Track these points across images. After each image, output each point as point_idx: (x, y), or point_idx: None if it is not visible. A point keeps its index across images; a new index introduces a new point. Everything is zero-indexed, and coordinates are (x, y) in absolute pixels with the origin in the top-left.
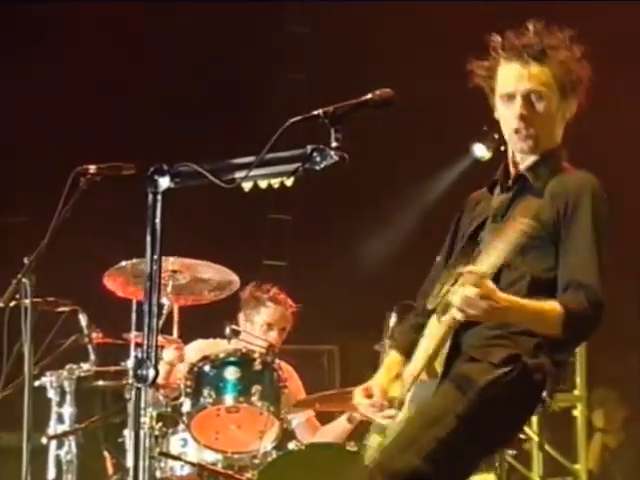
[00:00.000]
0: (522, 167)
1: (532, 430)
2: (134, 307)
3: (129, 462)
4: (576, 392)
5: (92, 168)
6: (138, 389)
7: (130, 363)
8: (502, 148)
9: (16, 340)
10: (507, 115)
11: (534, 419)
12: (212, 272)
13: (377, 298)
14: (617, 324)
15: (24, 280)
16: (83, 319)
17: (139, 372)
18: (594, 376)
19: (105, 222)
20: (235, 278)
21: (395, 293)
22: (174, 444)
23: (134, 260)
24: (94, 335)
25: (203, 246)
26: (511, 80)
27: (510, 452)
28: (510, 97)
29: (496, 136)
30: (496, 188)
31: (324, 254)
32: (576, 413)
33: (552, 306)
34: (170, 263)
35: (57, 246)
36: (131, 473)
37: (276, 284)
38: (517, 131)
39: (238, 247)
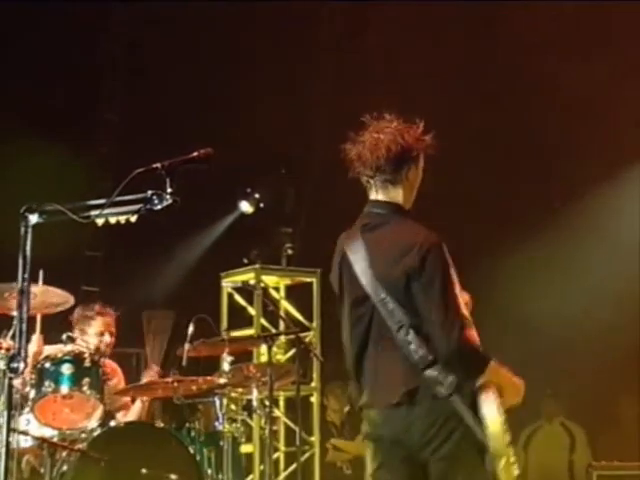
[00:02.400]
0: None
1: (280, 412)
2: None
3: None
4: (313, 384)
5: None
6: (10, 378)
7: None
8: (261, 206)
9: None
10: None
11: (281, 403)
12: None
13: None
14: None
15: None
16: None
17: (12, 365)
18: (328, 373)
19: None
20: (70, 297)
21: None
22: (20, 423)
23: None
24: None
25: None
26: None
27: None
28: None
29: (257, 196)
30: None
31: (127, 280)
32: (313, 399)
33: None
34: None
35: None
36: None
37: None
38: None
39: (62, 276)
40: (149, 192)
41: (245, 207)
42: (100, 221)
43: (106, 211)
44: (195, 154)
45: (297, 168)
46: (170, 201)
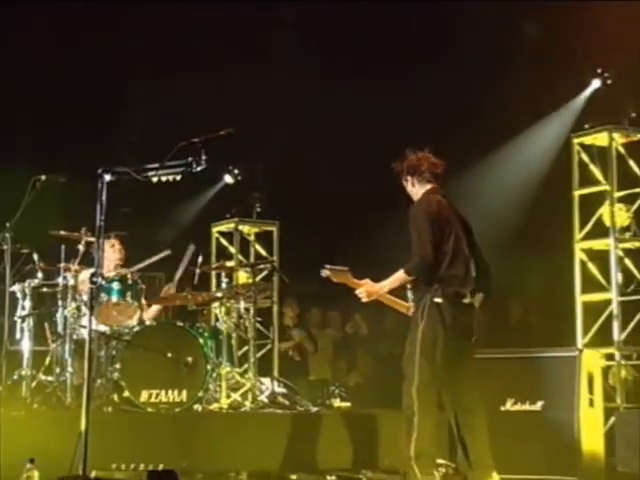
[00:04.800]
0: None
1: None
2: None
3: (59, 329)
4: (274, 299)
5: (43, 176)
6: (91, 289)
7: (60, 279)
8: (239, 178)
9: None
10: None
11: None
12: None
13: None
14: None
15: (6, 235)
16: (36, 256)
17: (93, 279)
18: (285, 292)
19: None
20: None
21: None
22: (83, 321)
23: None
24: (41, 264)
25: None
26: None
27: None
28: None
29: (236, 171)
30: None
31: (149, 229)
32: (274, 310)
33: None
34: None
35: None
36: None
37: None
38: None
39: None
40: (189, 159)
41: (228, 179)
42: (155, 179)
43: (159, 172)
44: (222, 132)
45: (264, 151)
46: (205, 166)
